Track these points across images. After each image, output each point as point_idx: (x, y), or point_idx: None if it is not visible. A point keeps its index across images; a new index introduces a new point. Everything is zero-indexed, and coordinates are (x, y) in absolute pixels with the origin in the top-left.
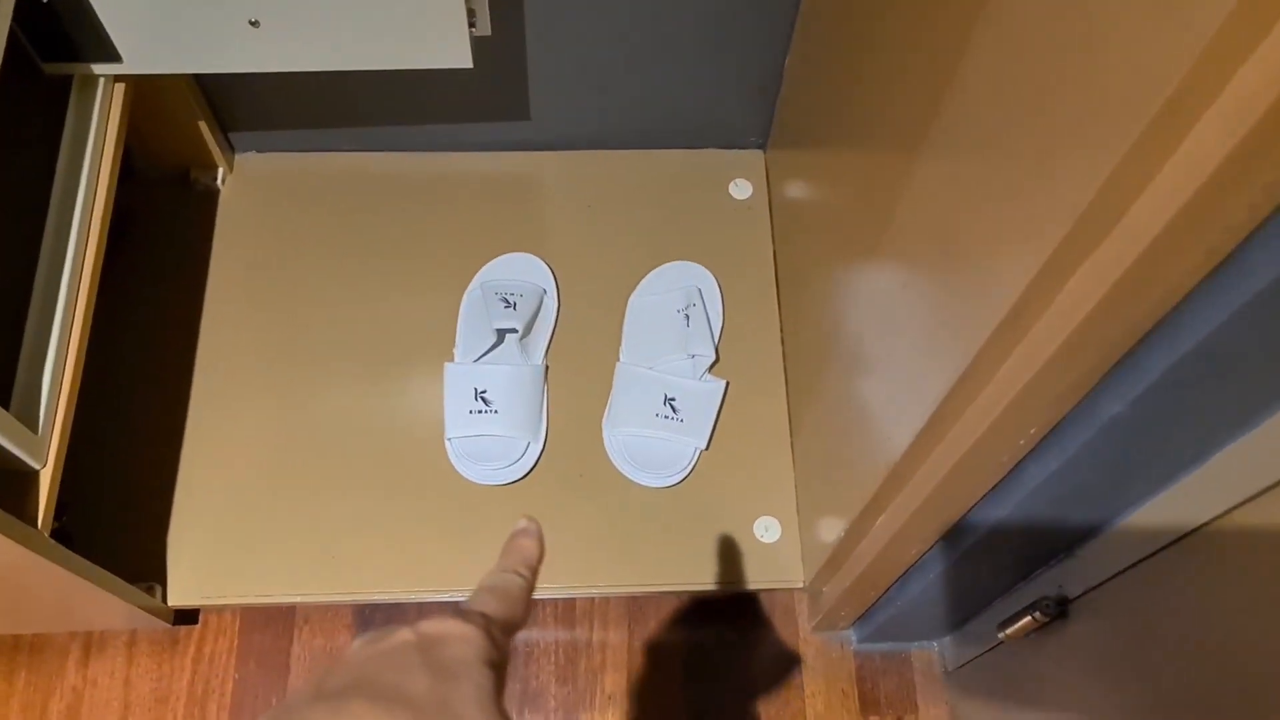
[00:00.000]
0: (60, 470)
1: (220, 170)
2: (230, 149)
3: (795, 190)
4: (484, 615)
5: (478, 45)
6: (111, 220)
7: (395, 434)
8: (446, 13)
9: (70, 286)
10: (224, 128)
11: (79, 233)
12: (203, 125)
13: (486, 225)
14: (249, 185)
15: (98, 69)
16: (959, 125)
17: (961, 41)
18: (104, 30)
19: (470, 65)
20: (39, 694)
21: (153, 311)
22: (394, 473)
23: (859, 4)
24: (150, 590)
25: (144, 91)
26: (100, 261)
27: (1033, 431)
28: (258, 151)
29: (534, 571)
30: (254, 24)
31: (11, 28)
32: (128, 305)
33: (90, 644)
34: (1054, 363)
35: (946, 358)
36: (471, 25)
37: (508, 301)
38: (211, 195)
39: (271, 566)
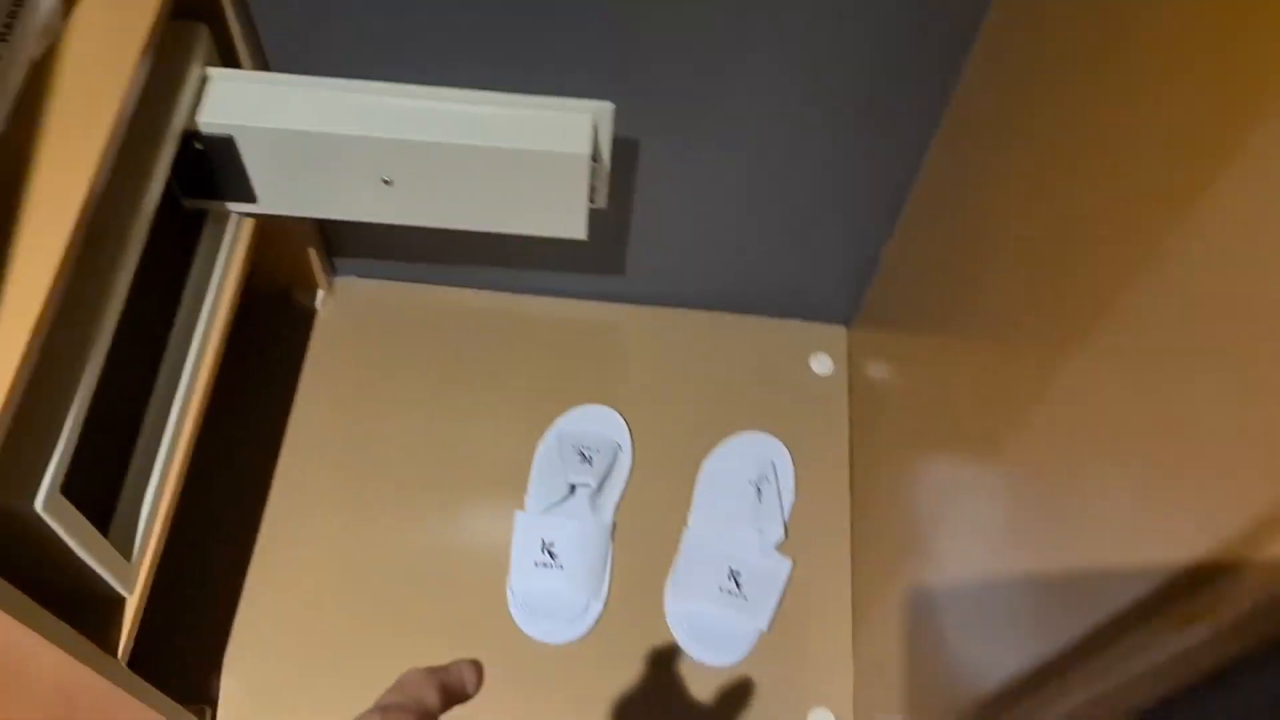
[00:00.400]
0: (145, 599)
1: (320, 292)
2: (332, 272)
3: (878, 373)
4: None
5: (590, 215)
6: None
7: (459, 572)
8: (571, 191)
9: (180, 413)
10: (329, 252)
11: (194, 361)
12: (312, 250)
13: (568, 371)
14: (346, 308)
15: (233, 207)
16: (1123, 331)
17: (1129, 249)
18: (248, 178)
19: (584, 238)
20: None
21: (236, 425)
22: (454, 614)
23: (983, 210)
24: (200, 713)
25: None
26: (209, 390)
27: None
28: (358, 276)
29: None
30: (387, 182)
31: None
32: (212, 415)
33: None
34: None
35: (1059, 615)
36: (591, 201)
37: (584, 455)
38: (309, 315)
39: (326, 700)
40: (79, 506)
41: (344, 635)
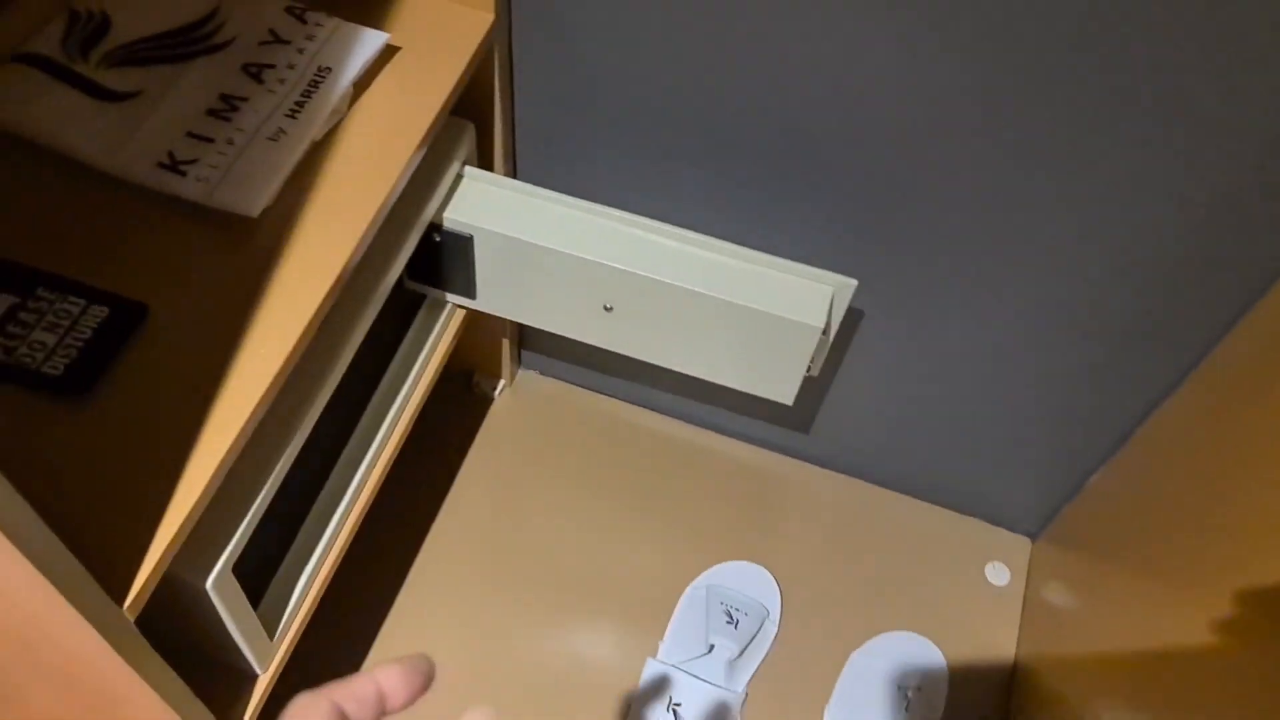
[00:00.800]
0: (276, 679)
1: (501, 382)
2: (518, 363)
3: (1062, 598)
4: None
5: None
6: None
7: (577, 699)
8: (792, 358)
9: (355, 493)
10: (520, 342)
11: (381, 442)
12: (505, 341)
13: (731, 519)
14: (523, 402)
15: (452, 298)
16: None
17: None
18: (474, 275)
19: (790, 404)
20: None
21: (389, 498)
22: None
23: (1227, 464)
24: None
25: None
26: (386, 472)
27: None
28: (540, 373)
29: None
30: (608, 309)
31: None
32: None
33: None
34: None
35: None
36: (806, 370)
37: (731, 616)
38: (484, 402)
39: None
40: (239, 579)
41: None
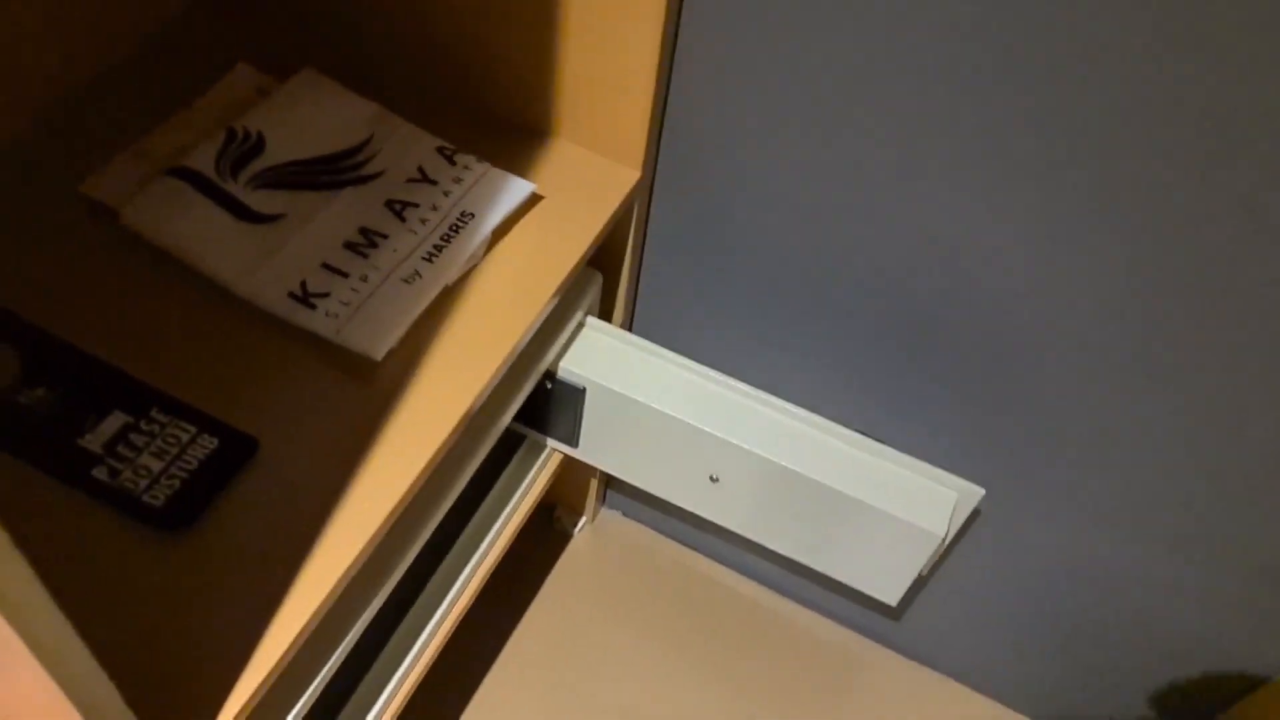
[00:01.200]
0: None
1: (583, 520)
2: (602, 502)
3: None
4: None
5: None
6: None
7: None
8: (906, 561)
9: (430, 633)
10: (607, 481)
11: (464, 583)
12: (594, 481)
13: (806, 699)
14: (602, 543)
15: (553, 444)
16: None
17: None
18: (579, 426)
19: (894, 605)
20: None
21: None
22: None
23: None
24: None
25: None
26: (464, 613)
27: None
28: (623, 514)
29: None
30: (714, 480)
31: None
32: None
33: None
34: None
35: None
36: (919, 574)
37: None
38: (563, 538)
39: None
40: None
41: None
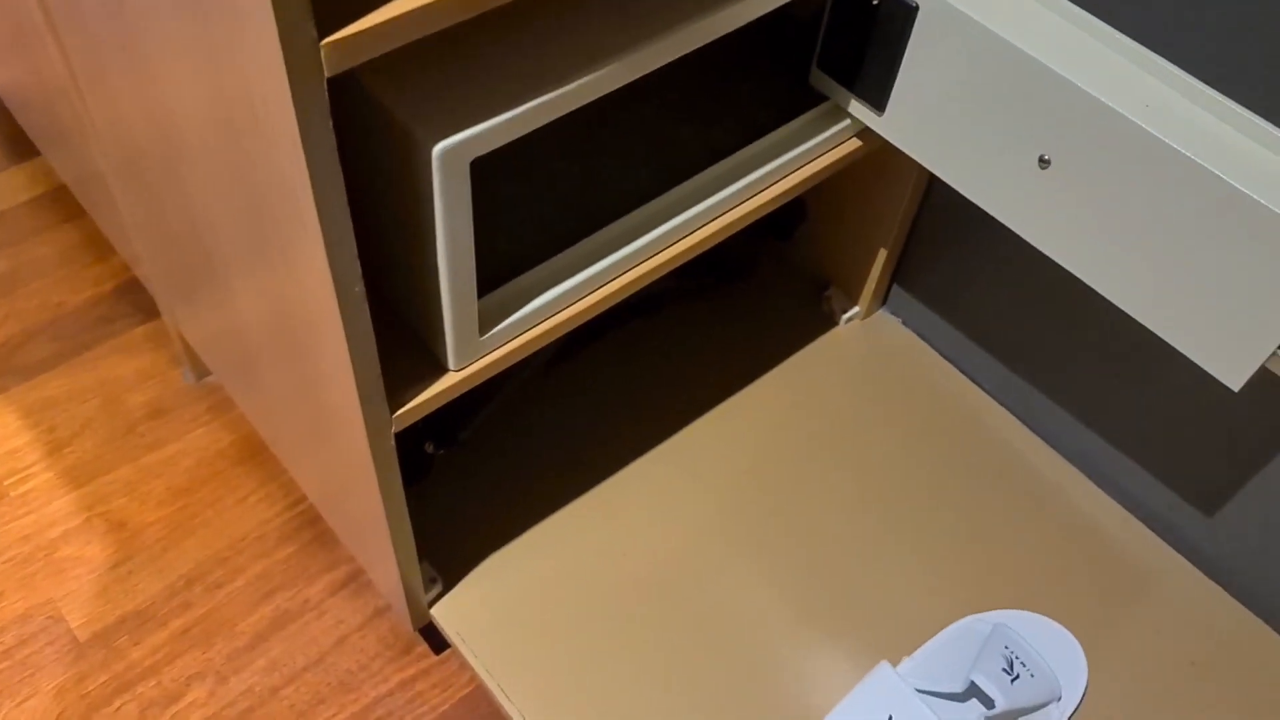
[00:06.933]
0: (461, 390)
1: (856, 309)
2: (882, 300)
3: None
4: None
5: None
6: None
7: (776, 673)
8: (1258, 332)
9: (646, 248)
10: (896, 278)
11: (709, 210)
12: (882, 254)
13: (1060, 578)
14: (869, 343)
15: (854, 109)
16: None
17: None
18: (893, 77)
19: (1235, 390)
20: (282, 577)
21: (672, 357)
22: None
23: None
24: (432, 581)
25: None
26: (689, 254)
27: None
28: (903, 323)
29: None
30: (1044, 162)
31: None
32: (672, 368)
33: (353, 580)
34: None
35: None
36: (1278, 352)
37: (1011, 667)
38: (827, 324)
39: None
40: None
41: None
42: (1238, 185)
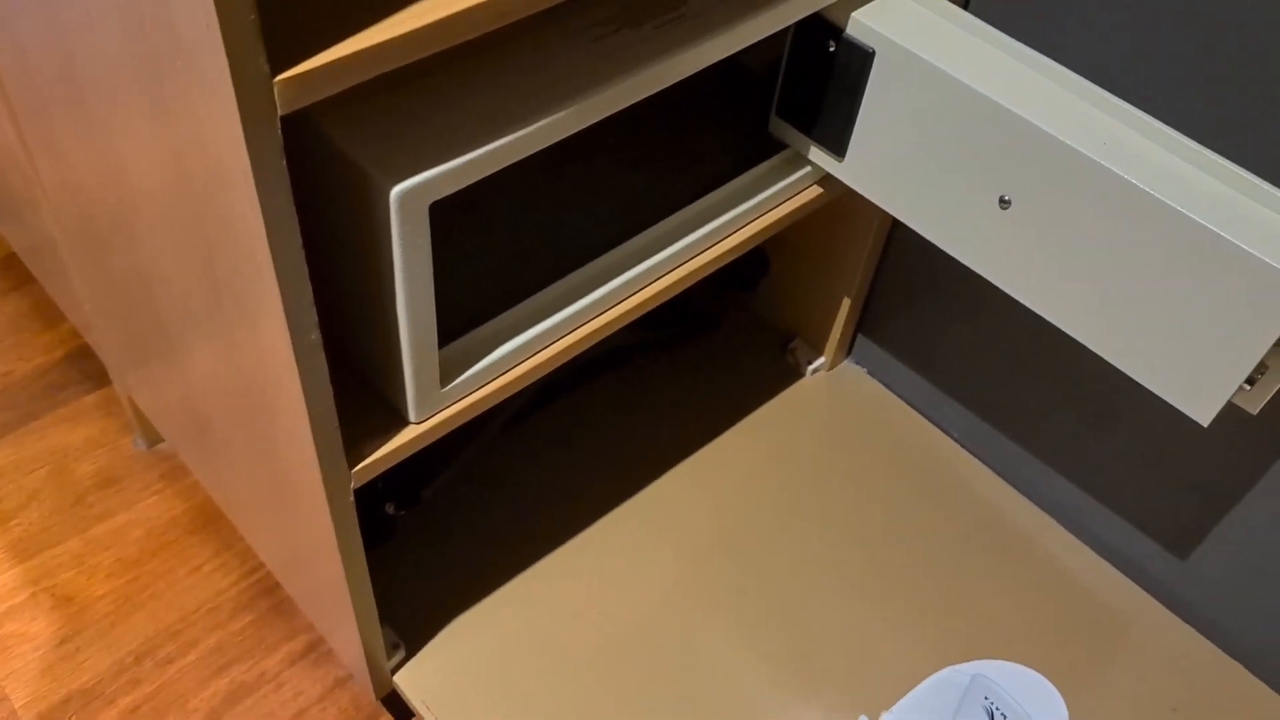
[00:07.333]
0: (420, 445)
1: (821, 360)
2: (847, 351)
3: None
4: None
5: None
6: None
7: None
8: (1224, 365)
9: (606, 298)
10: (860, 326)
11: (665, 261)
12: (846, 305)
13: (1038, 627)
14: (835, 395)
15: (814, 155)
16: None
17: None
18: (852, 122)
19: (1204, 425)
20: (238, 649)
21: (637, 416)
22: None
23: None
24: (394, 647)
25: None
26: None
27: None
28: (869, 373)
29: None
30: (1004, 203)
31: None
32: (635, 399)
33: (313, 650)
34: None
35: None
36: (1245, 386)
37: (991, 718)
38: (792, 377)
39: None
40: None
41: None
42: (1198, 219)
